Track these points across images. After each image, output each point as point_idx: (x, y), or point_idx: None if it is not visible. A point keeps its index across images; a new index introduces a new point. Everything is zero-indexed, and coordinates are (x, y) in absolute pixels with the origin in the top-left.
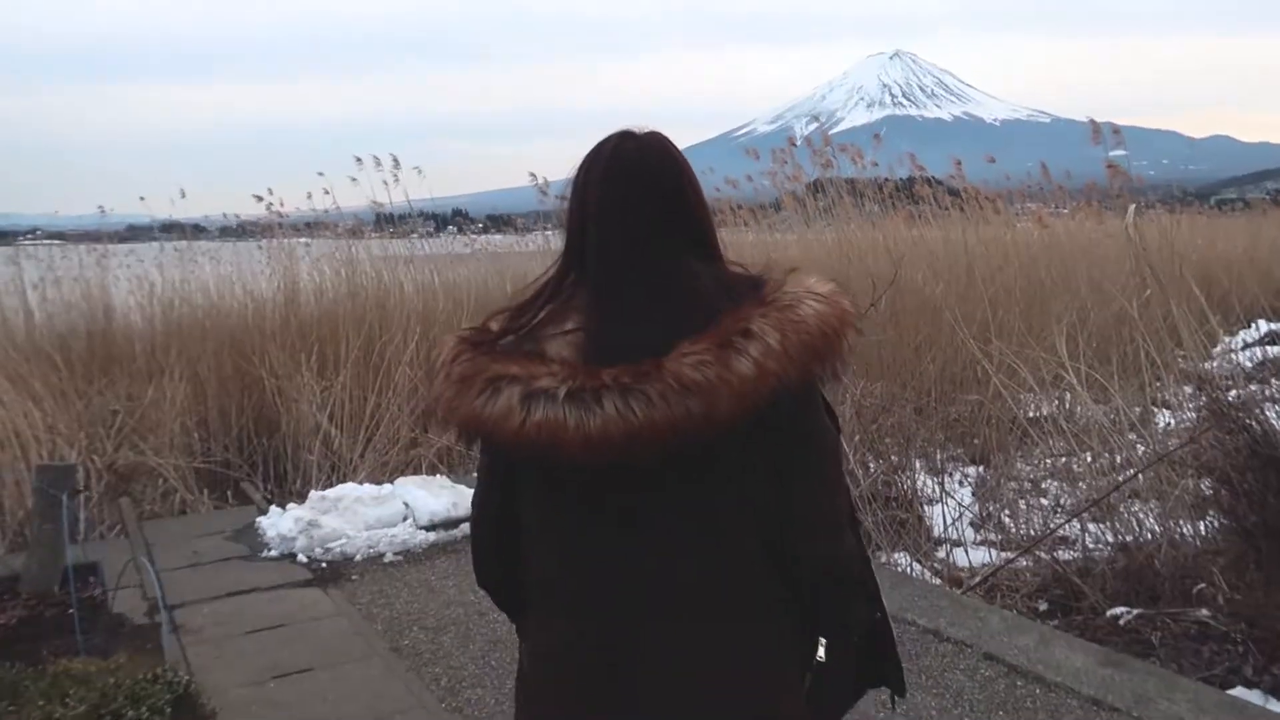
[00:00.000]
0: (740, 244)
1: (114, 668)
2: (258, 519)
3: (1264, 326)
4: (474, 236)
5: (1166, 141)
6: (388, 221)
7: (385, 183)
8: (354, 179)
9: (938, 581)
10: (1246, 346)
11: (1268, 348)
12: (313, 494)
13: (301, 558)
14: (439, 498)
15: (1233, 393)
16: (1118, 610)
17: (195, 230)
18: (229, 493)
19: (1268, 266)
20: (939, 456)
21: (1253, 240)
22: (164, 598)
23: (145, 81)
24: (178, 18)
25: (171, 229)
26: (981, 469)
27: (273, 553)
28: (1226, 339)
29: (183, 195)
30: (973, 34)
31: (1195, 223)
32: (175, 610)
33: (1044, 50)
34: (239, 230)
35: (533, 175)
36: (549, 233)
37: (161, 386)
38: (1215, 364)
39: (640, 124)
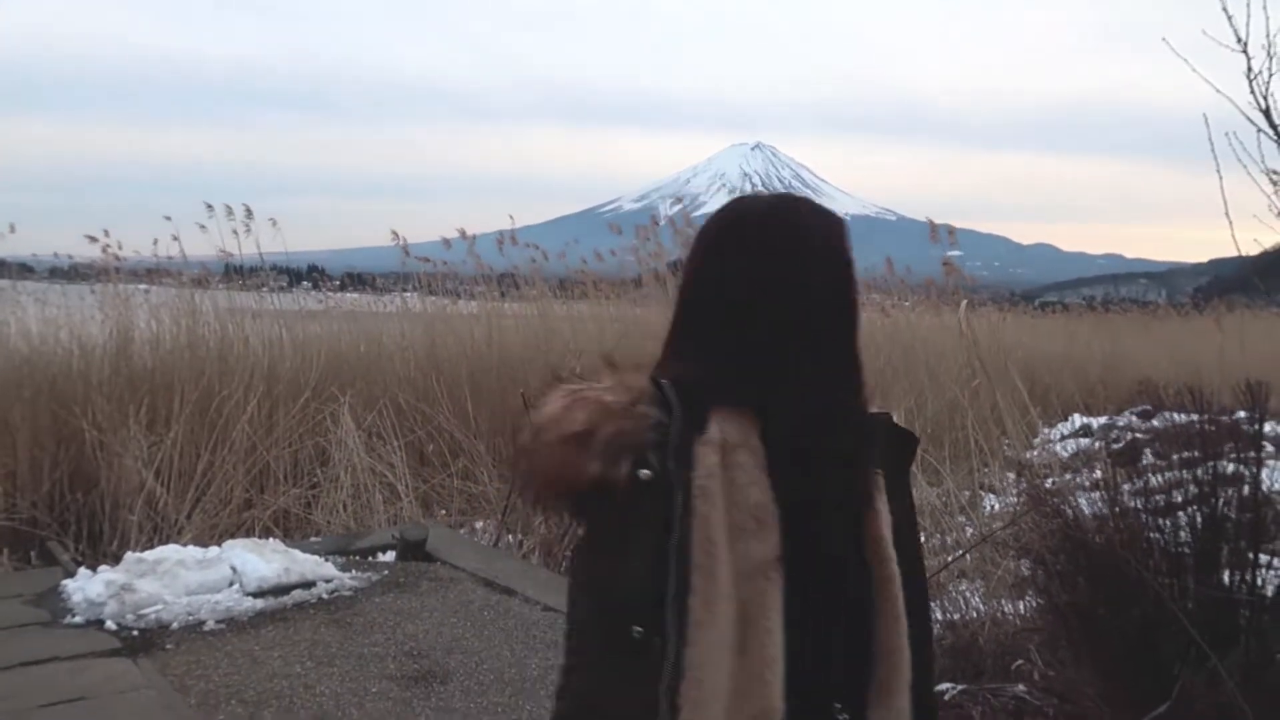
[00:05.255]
0: (601, 317)
1: None
2: (63, 581)
3: (1078, 420)
4: (329, 293)
5: (997, 245)
6: (237, 273)
7: (236, 233)
8: (203, 227)
9: None
10: (1064, 438)
11: (1081, 440)
12: (129, 555)
13: (110, 625)
14: (271, 562)
15: (1050, 480)
16: (944, 686)
17: (21, 269)
18: (33, 553)
19: (1083, 365)
20: None
21: (1070, 341)
22: None
23: None
24: (24, 49)
25: None
26: None
27: (77, 619)
28: (1046, 430)
29: (12, 230)
30: (828, 133)
31: (1021, 322)
32: None
33: (891, 153)
34: (70, 272)
35: (395, 234)
36: (409, 294)
37: None
38: (1036, 453)
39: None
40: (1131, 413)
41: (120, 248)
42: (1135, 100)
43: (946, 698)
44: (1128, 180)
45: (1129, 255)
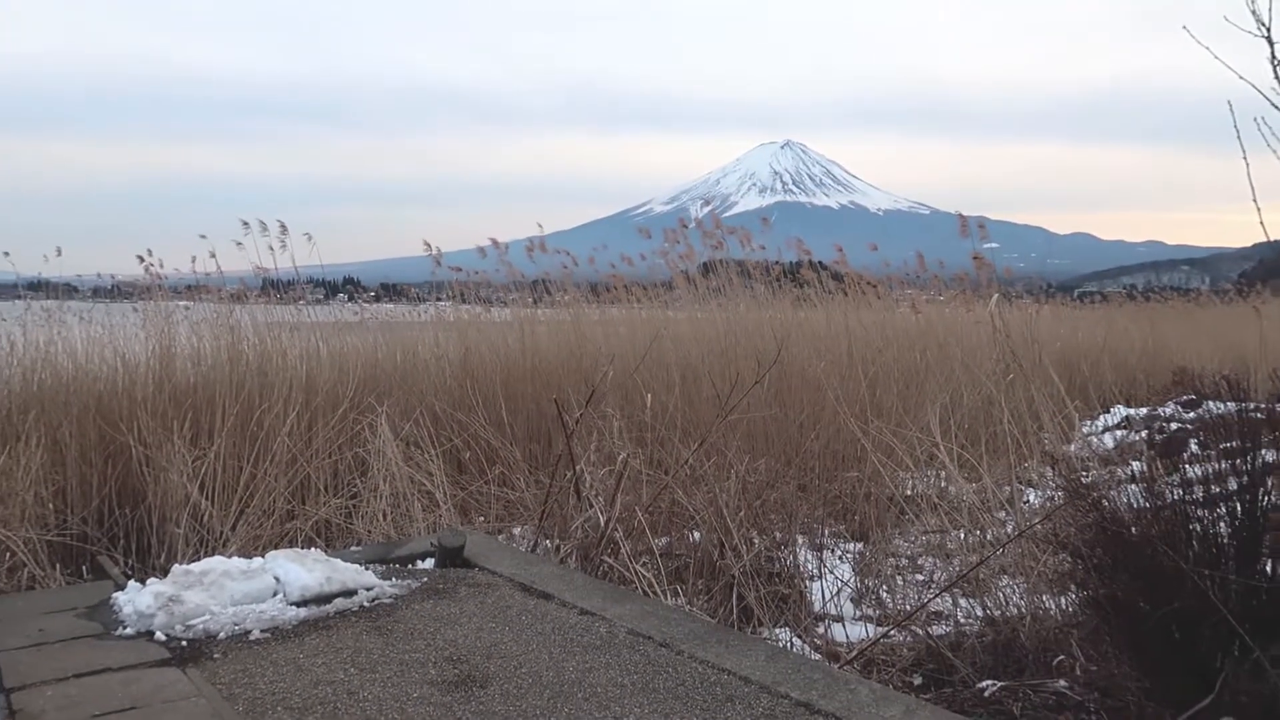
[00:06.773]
0: (633, 321)
1: None
2: (114, 594)
3: (1121, 411)
4: (365, 305)
5: (1034, 236)
6: (274, 287)
7: (272, 248)
8: (239, 243)
9: (817, 656)
10: (1105, 430)
11: (1122, 432)
12: (176, 568)
13: (160, 635)
14: (313, 572)
15: (1089, 474)
16: (985, 683)
17: (66, 290)
18: (84, 568)
19: (1122, 357)
20: (822, 532)
21: (1108, 331)
22: None
23: (16, 132)
24: (58, 70)
25: (39, 288)
26: (862, 545)
27: (128, 630)
28: (1087, 423)
29: (59, 253)
30: (858, 128)
31: (1059, 313)
32: (14, 694)
33: (925, 147)
34: (113, 291)
35: (428, 245)
36: (442, 303)
37: (16, 453)
38: (1075, 446)
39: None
40: (1175, 403)
41: (162, 265)
42: (1168, 85)
43: (987, 694)
44: (1165, 165)
45: (1170, 242)
